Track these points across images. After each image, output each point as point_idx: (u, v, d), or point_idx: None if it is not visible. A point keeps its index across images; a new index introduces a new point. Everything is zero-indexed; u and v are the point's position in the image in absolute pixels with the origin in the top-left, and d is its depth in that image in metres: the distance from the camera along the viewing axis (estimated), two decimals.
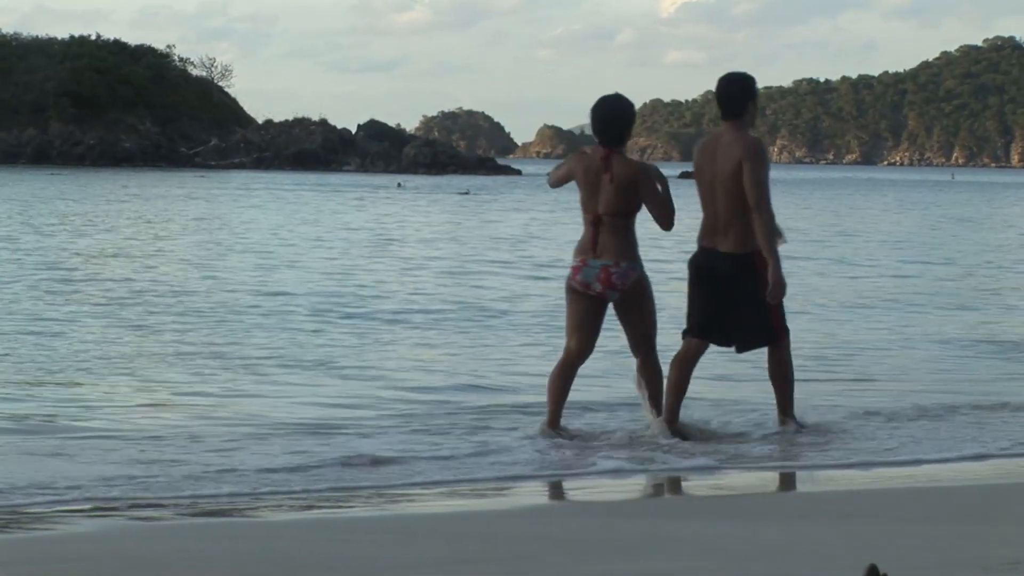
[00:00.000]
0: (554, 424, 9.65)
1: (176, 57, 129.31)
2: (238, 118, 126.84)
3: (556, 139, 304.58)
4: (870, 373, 13.24)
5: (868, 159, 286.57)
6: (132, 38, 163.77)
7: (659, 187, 9.43)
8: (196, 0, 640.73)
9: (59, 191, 58.55)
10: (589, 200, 9.39)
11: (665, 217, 9.45)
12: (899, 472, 9.10)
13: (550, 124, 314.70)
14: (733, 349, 9.88)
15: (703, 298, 9.61)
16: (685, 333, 9.71)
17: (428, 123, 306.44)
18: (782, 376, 9.79)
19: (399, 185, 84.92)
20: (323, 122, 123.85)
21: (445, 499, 7.96)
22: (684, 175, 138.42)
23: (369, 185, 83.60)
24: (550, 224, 41.57)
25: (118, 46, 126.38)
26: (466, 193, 72.03)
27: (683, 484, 8.69)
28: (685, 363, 9.68)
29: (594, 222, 9.38)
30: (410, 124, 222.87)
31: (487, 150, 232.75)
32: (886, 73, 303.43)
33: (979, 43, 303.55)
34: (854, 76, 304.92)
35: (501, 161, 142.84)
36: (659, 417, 9.65)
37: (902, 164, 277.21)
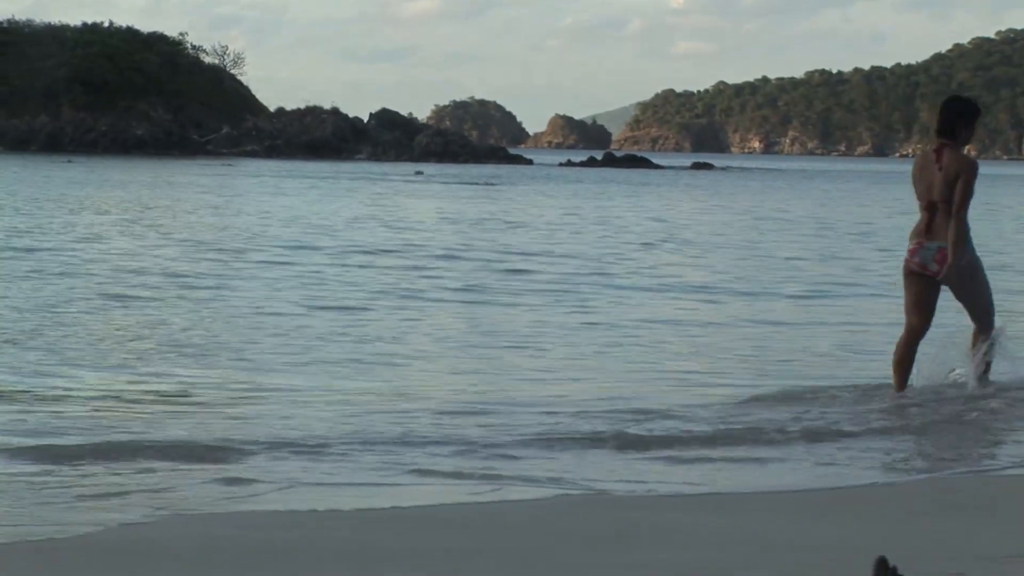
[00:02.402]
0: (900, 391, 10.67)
1: (188, 45, 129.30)
2: (250, 106, 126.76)
3: (568, 129, 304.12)
4: None
5: (880, 151, 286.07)
6: (142, 26, 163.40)
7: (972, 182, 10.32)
8: None
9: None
10: (923, 189, 10.44)
11: (963, 209, 10.32)
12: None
13: (562, 114, 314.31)
14: None
15: None
16: None
17: (440, 112, 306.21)
18: None
19: (418, 173, 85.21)
20: (335, 110, 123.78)
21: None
22: (696, 166, 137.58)
23: (392, 174, 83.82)
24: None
25: (130, 33, 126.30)
26: (490, 184, 72.30)
27: (698, 477, 8.69)
28: None
29: (928, 208, 10.38)
30: (421, 113, 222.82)
31: (499, 139, 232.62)
32: (898, 65, 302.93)
33: (992, 35, 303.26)
34: (865, 68, 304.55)
35: (512, 151, 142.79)
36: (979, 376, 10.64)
37: (914, 156, 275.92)
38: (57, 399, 10.37)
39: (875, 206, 55.84)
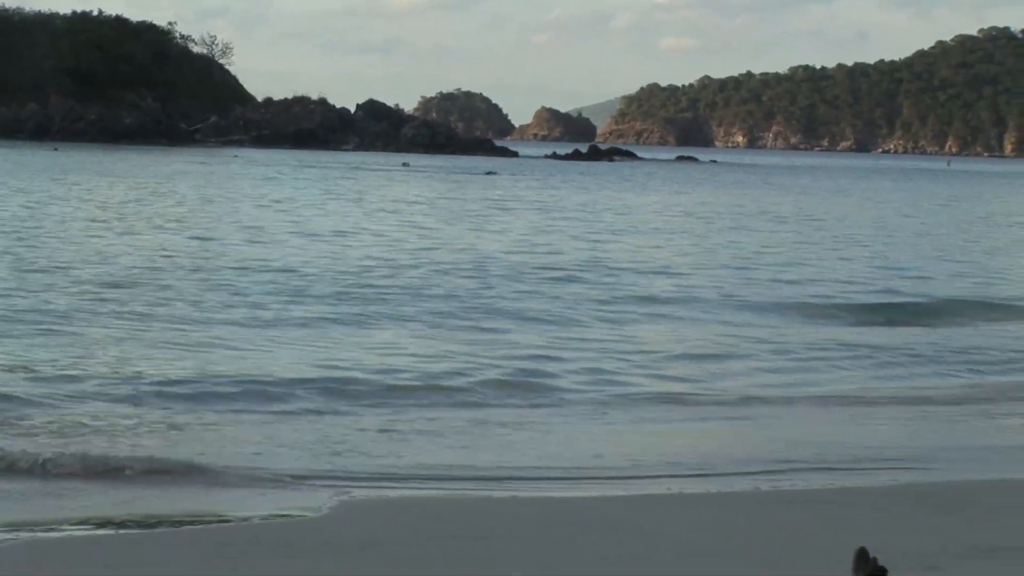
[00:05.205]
0: None
1: (177, 34, 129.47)
2: (238, 96, 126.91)
3: (553, 121, 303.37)
4: None
5: (862, 147, 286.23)
6: (131, 14, 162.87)
7: None
8: None
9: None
10: None
11: None
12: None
13: (547, 107, 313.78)
14: None
15: None
16: None
17: (426, 104, 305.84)
18: None
19: (405, 164, 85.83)
20: (322, 101, 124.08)
21: None
22: (680, 159, 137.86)
23: (382, 164, 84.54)
24: None
25: (119, 22, 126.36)
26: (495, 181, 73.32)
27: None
28: None
29: None
30: (408, 104, 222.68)
31: (484, 131, 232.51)
32: (882, 61, 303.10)
33: (974, 33, 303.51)
34: (849, 64, 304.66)
35: (498, 143, 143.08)
36: None
37: (896, 152, 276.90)
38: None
39: None
